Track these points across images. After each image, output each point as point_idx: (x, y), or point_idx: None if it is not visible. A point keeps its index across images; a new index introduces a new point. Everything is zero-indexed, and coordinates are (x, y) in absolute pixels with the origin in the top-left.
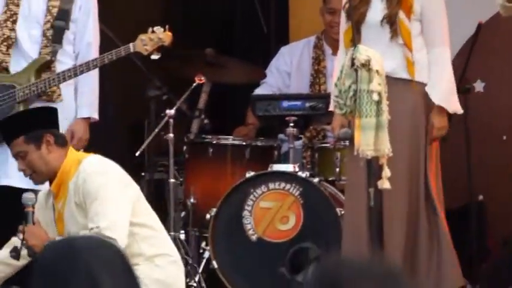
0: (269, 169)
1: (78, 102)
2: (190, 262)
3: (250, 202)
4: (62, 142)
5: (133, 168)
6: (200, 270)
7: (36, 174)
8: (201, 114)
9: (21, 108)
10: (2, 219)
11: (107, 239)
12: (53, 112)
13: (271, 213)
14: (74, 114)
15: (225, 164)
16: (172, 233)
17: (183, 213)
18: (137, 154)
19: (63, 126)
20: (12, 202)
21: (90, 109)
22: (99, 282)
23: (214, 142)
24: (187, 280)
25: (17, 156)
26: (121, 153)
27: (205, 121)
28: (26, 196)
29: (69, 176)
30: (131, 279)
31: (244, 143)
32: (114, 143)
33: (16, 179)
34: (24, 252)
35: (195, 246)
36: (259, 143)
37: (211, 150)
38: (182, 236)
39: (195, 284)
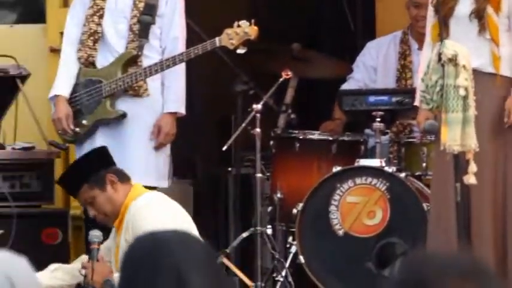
0: (356, 164)
1: (165, 96)
2: (277, 257)
3: (337, 197)
4: (124, 178)
5: (220, 163)
6: (287, 265)
7: (108, 217)
8: (287, 109)
9: (108, 102)
10: None
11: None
12: (105, 151)
13: (358, 208)
14: (161, 109)
15: (312, 158)
16: (259, 228)
17: (269, 208)
18: (224, 149)
19: (150, 121)
20: None
21: (177, 104)
22: (186, 278)
23: (301, 137)
24: (274, 275)
25: (85, 203)
26: (208, 148)
27: (292, 116)
28: (93, 234)
29: (126, 212)
30: (218, 276)
31: (330, 138)
32: (202, 138)
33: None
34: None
35: (281, 241)
36: (345, 138)
37: (298, 145)
38: (269, 231)
39: (281, 279)
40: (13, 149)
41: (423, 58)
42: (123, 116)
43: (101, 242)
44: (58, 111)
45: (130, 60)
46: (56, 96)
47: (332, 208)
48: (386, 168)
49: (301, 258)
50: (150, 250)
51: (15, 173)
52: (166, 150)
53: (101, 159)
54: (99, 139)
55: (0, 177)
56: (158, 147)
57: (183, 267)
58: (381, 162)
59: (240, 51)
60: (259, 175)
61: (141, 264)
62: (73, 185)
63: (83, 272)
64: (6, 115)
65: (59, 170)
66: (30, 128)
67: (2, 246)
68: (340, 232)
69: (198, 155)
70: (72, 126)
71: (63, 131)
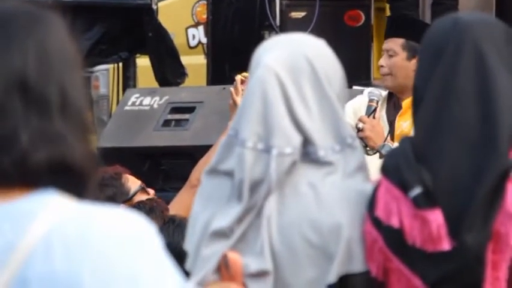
0: None
1: None
2: None
3: None
4: None
5: None
6: None
7: (391, 78)
8: None
9: None
10: None
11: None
12: None
13: None
14: None
15: None
16: None
17: None
18: None
19: None
20: None
21: None
22: (485, 55)
23: None
24: None
25: (385, 50)
26: None
27: None
28: (373, 92)
29: None
30: None
31: None
32: None
33: None
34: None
35: None
36: None
37: None
38: None
39: None
40: None
41: None
42: None
43: (379, 102)
44: None
45: None
46: None
47: None
48: None
49: None
50: (451, 27)
51: None
52: None
53: None
54: None
55: None
56: None
57: (483, 45)
58: None
59: None
60: None
61: (442, 40)
62: (394, 29)
63: (360, 125)
64: None
65: None
66: None
67: (304, 29)
68: None
69: None
70: None
71: None
